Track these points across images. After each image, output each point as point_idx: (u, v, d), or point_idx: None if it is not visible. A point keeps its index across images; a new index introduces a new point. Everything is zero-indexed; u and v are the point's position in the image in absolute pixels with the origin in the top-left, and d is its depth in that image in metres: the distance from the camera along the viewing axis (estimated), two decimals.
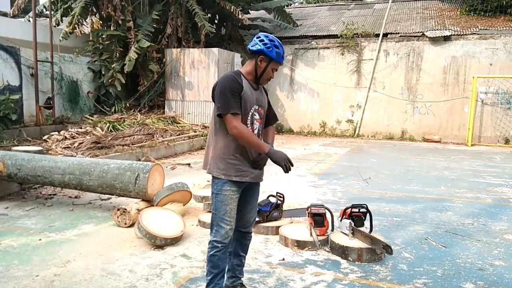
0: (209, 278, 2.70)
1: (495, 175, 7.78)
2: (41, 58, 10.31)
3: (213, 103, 2.67)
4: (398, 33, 13.62)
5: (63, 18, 12.55)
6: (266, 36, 2.70)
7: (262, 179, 2.83)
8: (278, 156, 2.61)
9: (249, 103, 2.65)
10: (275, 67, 2.73)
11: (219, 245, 2.66)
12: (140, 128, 9.86)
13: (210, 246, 2.69)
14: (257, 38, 2.73)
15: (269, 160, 2.66)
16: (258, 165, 2.71)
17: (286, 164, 2.60)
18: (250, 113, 2.68)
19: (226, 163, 2.64)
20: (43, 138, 8.69)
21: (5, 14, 11.70)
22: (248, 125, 2.67)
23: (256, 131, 2.73)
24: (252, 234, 3.00)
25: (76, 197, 5.65)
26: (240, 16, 12.46)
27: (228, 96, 2.56)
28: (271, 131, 2.97)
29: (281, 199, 4.47)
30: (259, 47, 2.65)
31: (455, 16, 14.44)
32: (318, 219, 4.04)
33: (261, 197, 5.03)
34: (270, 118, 2.94)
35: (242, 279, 2.98)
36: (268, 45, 2.64)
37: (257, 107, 2.73)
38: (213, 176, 2.69)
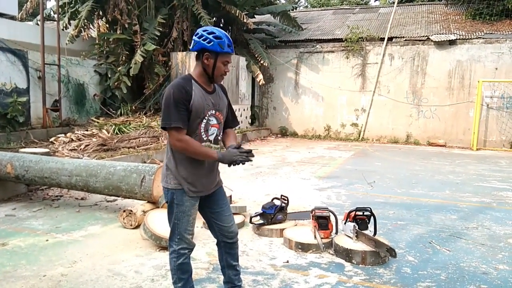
0: (179, 285, 2.63)
1: (500, 179, 7.75)
2: (49, 61, 10.42)
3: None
4: (403, 37, 13.62)
5: (71, 22, 12.69)
6: (205, 30, 2.44)
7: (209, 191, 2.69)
8: (229, 157, 2.40)
9: (202, 110, 2.46)
10: (225, 60, 2.46)
11: (187, 251, 2.63)
12: (145, 131, 9.91)
13: (176, 255, 2.60)
14: (195, 36, 2.46)
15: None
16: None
17: (240, 158, 2.37)
18: (204, 121, 2.49)
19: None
20: (50, 140, 8.76)
21: (13, 18, 11.81)
22: (202, 134, 2.50)
23: (213, 137, 2.56)
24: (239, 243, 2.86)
25: (82, 198, 5.71)
26: (245, 20, 12.52)
27: (171, 108, 2.38)
28: (232, 134, 2.73)
29: (286, 202, 4.50)
30: (199, 45, 2.43)
31: (460, 20, 14.42)
32: (322, 222, 4.06)
33: (266, 199, 5.09)
34: (229, 121, 2.74)
35: (241, 285, 2.89)
36: (208, 39, 2.39)
37: (213, 112, 2.54)
38: None
